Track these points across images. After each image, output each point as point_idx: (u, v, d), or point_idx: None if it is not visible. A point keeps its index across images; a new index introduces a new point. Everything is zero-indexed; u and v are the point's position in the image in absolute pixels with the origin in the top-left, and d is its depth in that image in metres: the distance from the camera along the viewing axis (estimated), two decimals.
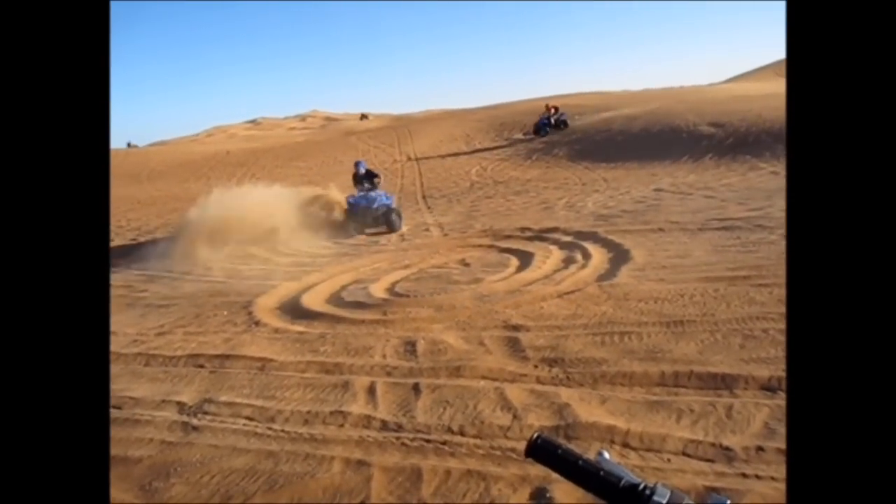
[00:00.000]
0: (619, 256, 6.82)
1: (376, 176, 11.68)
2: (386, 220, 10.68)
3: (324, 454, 3.30)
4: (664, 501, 0.70)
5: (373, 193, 11.00)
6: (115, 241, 13.11)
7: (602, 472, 0.75)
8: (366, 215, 10.72)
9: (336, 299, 6.47)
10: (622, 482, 0.73)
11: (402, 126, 31.76)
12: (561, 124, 22.71)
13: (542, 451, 0.78)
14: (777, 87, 22.74)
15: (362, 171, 11.67)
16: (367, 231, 10.69)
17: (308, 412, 3.81)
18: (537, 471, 2.92)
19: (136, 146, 44.27)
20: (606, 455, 0.80)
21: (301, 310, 6.16)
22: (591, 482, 0.75)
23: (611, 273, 6.26)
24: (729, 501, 0.72)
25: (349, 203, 10.99)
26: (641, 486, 0.72)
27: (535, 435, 0.79)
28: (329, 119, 54.00)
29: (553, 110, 23.46)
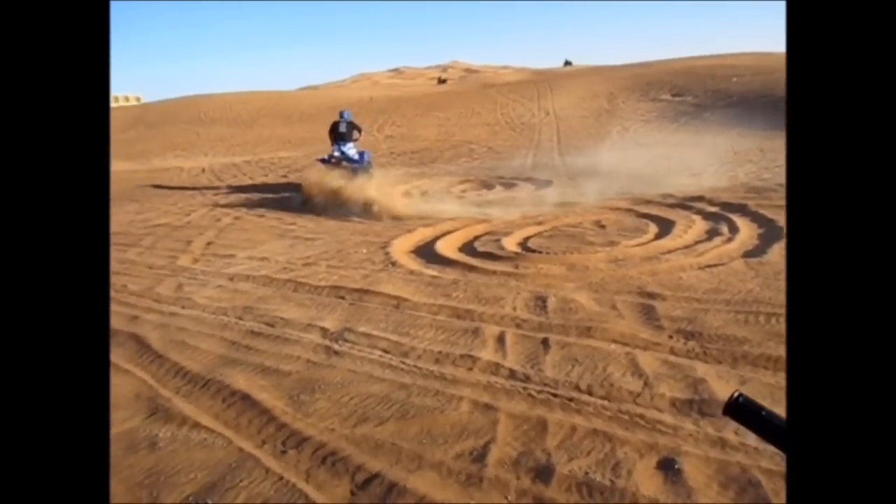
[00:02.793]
0: (771, 233, 6.32)
1: (357, 130, 11.00)
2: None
3: (453, 393, 3.45)
4: None
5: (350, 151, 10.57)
6: (269, 177, 14.20)
7: None
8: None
9: (468, 248, 6.61)
10: None
11: (543, 81, 30.96)
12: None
13: (743, 409, 0.77)
14: None
15: (344, 123, 10.80)
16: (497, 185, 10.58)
17: (439, 352, 3.99)
18: (665, 441, 2.88)
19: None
20: None
21: (435, 255, 6.37)
22: None
23: (760, 250, 5.83)
24: None
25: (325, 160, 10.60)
26: None
27: (737, 393, 0.78)
28: (469, 70, 53.85)
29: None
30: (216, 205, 10.91)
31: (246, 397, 3.60)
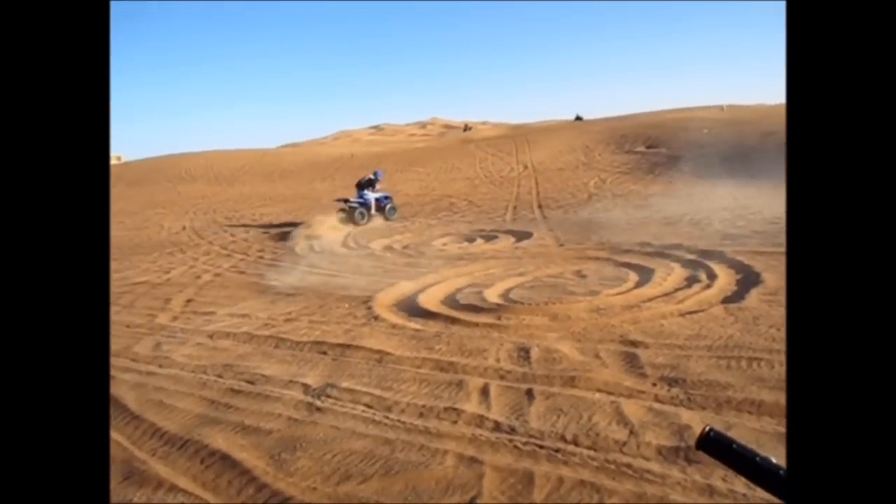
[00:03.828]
0: (749, 278, 6.43)
1: (374, 184, 14.49)
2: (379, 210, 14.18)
3: (437, 447, 3.40)
4: None
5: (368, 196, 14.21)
6: (250, 233, 14.19)
7: (783, 472, 0.73)
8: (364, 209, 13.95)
9: (451, 301, 6.61)
10: None
11: (520, 135, 31.75)
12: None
13: (715, 444, 0.78)
14: None
15: (365, 179, 14.60)
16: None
17: (423, 406, 3.94)
18: (654, 490, 2.84)
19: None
20: (774, 461, 0.79)
21: (417, 308, 6.35)
22: (770, 481, 0.74)
23: (738, 295, 5.91)
24: None
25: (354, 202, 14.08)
26: None
27: (707, 428, 0.79)
28: (448, 127, 55.05)
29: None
30: (196, 262, 10.84)
31: (225, 457, 3.50)
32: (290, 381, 4.59)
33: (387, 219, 14.01)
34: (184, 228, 16.04)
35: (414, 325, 5.80)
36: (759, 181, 15.05)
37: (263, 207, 19.14)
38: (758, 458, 0.75)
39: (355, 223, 13.44)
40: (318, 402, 4.17)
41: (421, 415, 3.84)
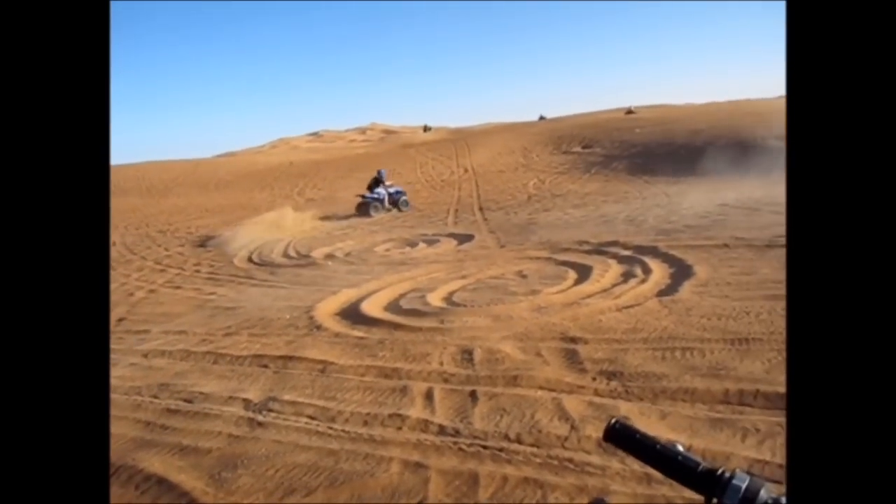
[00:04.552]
0: (681, 272, 6.68)
1: (383, 183, 15.95)
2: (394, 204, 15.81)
3: (382, 455, 3.38)
4: (743, 486, 0.72)
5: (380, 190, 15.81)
6: (185, 247, 13.74)
7: (680, 457, 0.77)
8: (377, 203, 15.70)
9: (394, 307, 6.59)
10: (700, 467, 0.76)
11: (460, 139, 31.98)
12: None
13: (620, 435, 0.81)
14: None
15: (373, 179, 16.08)
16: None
17: (367, 414, 3.91)
18: (594, 482, 2.91)
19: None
20: (679, 447, 0.82)
21: (360, 315, 6.30)
22: (669, 466, 0.78)
23: (672, 288, 6.14)
24: None
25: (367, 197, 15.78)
26: (720, 471, 0.74)
27: (614, 420, 0.82)
28: (388, 132, 54.89)
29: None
30: (128, 279, 10.40)
31: (162, 481, 3.37)
32: (230, 397, 4.46)
33: (400, 210, 15.59)
34: (114, 244, 15.36)
35: (357, 332, 5.75)
36: (688, 177, 15.69)
37: (200, 219, 18.56)
38: (658, 446, 0.79)
39: (369, 216, 15.19)
40: (260, 417, 4.07)
41: (365, 423, 3.80)
